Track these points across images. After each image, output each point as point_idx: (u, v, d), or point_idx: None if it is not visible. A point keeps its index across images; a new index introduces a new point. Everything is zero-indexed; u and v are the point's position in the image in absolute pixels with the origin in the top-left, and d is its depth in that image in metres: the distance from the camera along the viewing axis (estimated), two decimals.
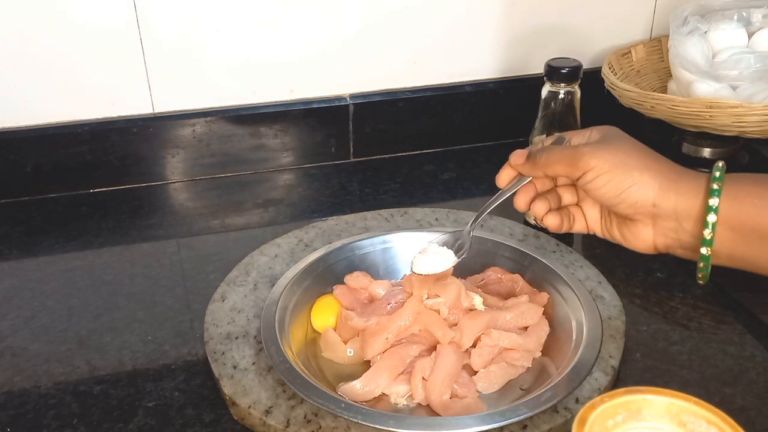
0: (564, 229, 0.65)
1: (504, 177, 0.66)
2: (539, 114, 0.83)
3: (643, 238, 0.61)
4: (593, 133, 0.63)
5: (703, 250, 0.57)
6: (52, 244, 0.87)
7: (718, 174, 0.56)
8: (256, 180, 1.00)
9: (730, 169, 0.57)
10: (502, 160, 0.66)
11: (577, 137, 0.64)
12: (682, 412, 0.45)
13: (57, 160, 0.94)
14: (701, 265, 0.58)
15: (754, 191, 0.56)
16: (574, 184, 0.65)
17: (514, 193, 0.65)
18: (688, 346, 0.69)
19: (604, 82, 0.96)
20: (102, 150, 0.95)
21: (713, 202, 0.55)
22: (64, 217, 0.92)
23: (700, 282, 0.59)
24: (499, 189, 0.67)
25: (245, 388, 0.62)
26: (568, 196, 0.66)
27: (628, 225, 0.61)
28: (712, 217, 0.56)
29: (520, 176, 0.65)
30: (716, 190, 0.56)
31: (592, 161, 0.59)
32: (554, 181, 0.66)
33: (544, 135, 0.83)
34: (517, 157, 0.64)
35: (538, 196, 0.65)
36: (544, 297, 0.71)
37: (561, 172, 0.61)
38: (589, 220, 0.65)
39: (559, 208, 0.65)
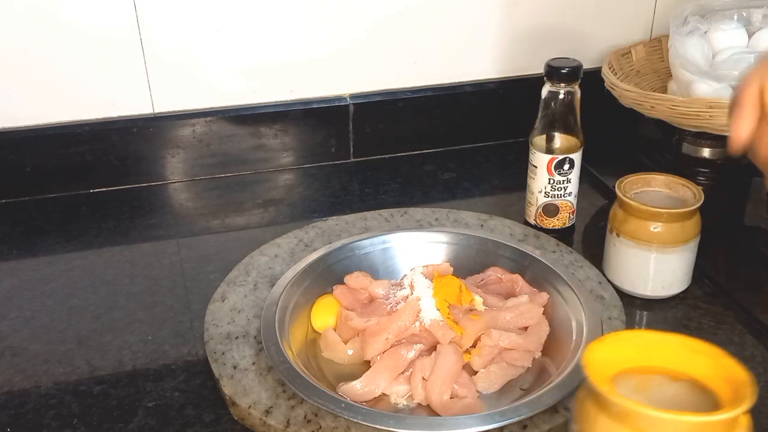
0: None
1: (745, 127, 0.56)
2: (539, 114, 0.83)
3: None
4: None
5: None
6: (52, 244, 0.87)
7: None
8: (256, 180, 1.00)
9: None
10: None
11: None
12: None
13: (57, 160, 0.94)
14: None
15: None
16: None
17: None
18: None
19: (604, 82, 0.96)
20: (102, 150, 0.95)
21: None
22: (64, 217, 0.92)
23: None
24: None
25: (245, 388, 0.62)
26: None
27: None
28: None
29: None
30: None
31: None
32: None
33: (544, 135, 0.83)
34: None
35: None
36: (544, 297, 0.71)
37: None
38: None
39: None
